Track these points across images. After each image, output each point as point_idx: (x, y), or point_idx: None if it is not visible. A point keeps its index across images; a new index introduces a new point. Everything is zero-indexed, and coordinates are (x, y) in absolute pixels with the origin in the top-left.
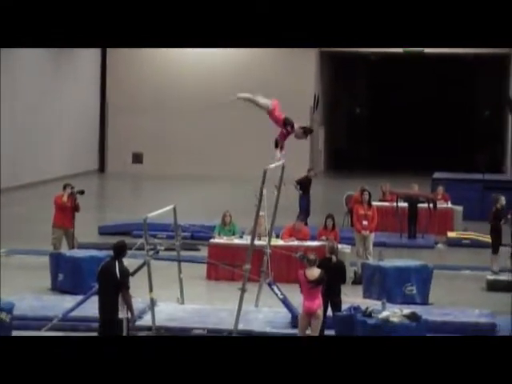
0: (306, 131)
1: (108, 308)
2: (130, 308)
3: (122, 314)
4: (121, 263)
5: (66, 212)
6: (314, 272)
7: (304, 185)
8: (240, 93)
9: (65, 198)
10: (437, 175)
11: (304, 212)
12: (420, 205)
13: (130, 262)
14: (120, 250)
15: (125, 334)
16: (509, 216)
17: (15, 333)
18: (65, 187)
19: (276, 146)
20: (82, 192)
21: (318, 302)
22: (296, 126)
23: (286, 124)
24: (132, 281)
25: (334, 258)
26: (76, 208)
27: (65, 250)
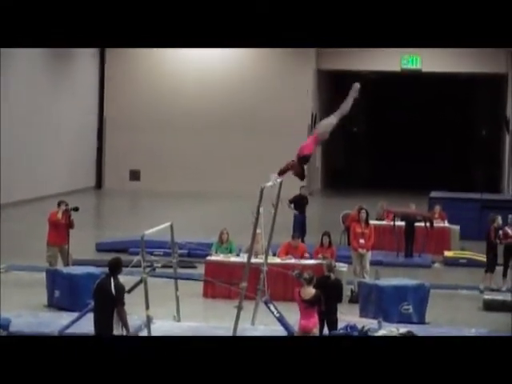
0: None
1: (103, 325)
2: (125, 325)
3: (117, 330)
4: (116, 280)
5: (60, 229)
6: (310, 291)
7: (298, 203)
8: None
9: (59, 215)
10: (434, 194)
11: (299, 230)
12: (417, 224)
13: (126, 279)
14: (115, 267)
15: None
16: (500, 233)
17: None
18: (59, 204)
19: (279, 174)
20: (76, 209)
21: (314, 320)
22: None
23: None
24: (128, 298)
25: (332, 275)
26: (70, 225)
27: (60, 266)
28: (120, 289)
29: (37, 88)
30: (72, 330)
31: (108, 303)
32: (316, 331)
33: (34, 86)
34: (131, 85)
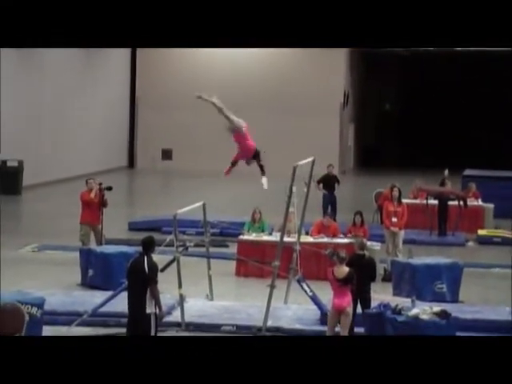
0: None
1: (136, 303)
2: (157, 303)
3: (150, 309)
4: (149, 258)
5: (93, 208)
6: (343, 270)
7: (326, 183)
8: (206, 94)
9: (92, 195)
10: (468, 172)
11: (328, 210)
12: (450, 202)
13: (159, 259)
14: (148, 246)
15: (153, 329)
16: None
17: (45, 328)
18: (87, 182)
19: (263, 173)
20: (109, 188)
21: (348, 299)
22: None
23: (256, 156)
24: (161, 277)
25: (366, 253)
26: (103, 204)
27: (93, 245)
28: (153, 267)
29: (69, 69)
30: (105, 309)
31: (141, 282)
32: (349, 310)
33: (67, 67)
34: (163, 63)
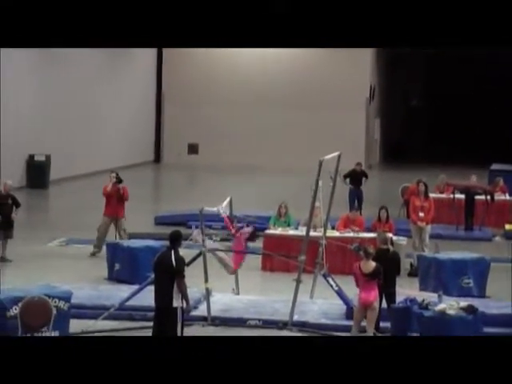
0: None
1: (163, 296)
2: (184, 297)
3: (177, 302)
4: (177, 252)
5: (112, 201)
6: (370, 265)
7: (353, 177)
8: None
9: (109, 188)
10: (495, 167)
11: (354, 204)
12: (477, 197)
13: (185, 253)
14: (176, 240)
15: (179, 323)
16: None
17: (72, 321)
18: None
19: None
20: (120, 180)
21: (375, 294)
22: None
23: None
24: (187, 271)
25: (390, 248)
26: (121, 197)
27: (111, 238)
28: (180, 261)
29: (95, 64)
30: (132, 303)
31: (168, 275)
32: (376, 304)
33: (93, 61)
34: (189, 58)
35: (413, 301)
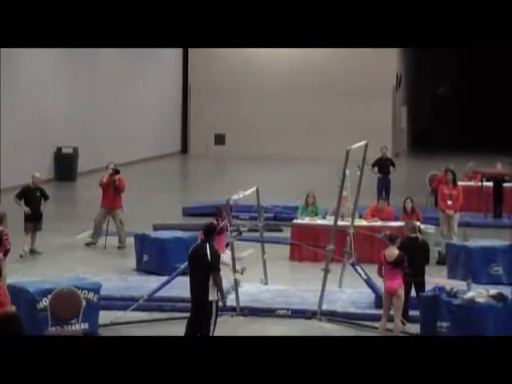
0: None
1: (198, 290)
2: (220, 290)
3: (212, 296)
4: (211, 245)
5: (108, 192)
6: (393, 252)
7: (381, 166)
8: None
9: (105, 179)
10: None
11: (382, 193)
12: (505, 184)
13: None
14: (210, 233)
15: (213, 316)
16: None
17: (102, 313)
18: (107, 167)
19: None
20: (117, 171)
21: (399, 281)
22: None
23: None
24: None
25: (419, 236)
26: (116, 188)
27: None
28: (215, 254)
29: (122, 55)
30: (161, 294)
31: (204, 268)
32: (401, 292)
33: (119, 52)
34: (215, 50)
35: (441, 289)
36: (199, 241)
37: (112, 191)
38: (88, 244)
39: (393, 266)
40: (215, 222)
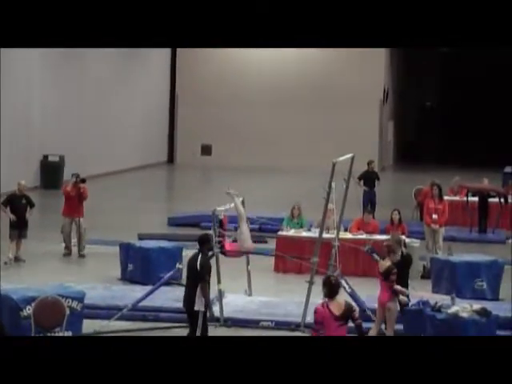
0: None
1: (186, 299)
2: (206, 301)
3: (198, 306)
4: (203, 256)
5: (71, 201)
6: (384, 264)
7: (366, 179)
8: (232, 189)
9: (68, 188)
10: (508, 169)
11: (367, 206)
12: (491, 199)
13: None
14: (203, 243)
15: (199, 327)
16: None
17: (86, 322)
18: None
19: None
20: (83, 180)
21: (388, 294)
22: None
23: None
24: None
25: (404, 250)
26: (81, 197)
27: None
28: (204, 265)
29: (109, 64)
30: (145, 303)
31: (193, 278)
32: (391, 304)
33: (107, 62)
34: (203, 60)
35: (426, 303)
36: (196, 251)
37: (76, 200)
38: (64, 255)
39: (383, 278)
40: (217, 230)
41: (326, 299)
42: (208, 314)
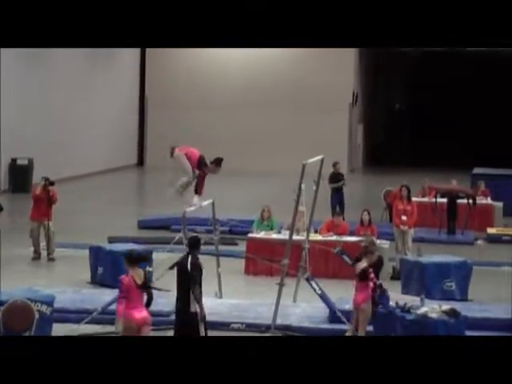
0: (218, 162)
1: (181, 301)
2: (198, 302)
3: (194, 307)
4: (193, 258)
5: (40, 205)
6: (360, 266)
7: (334, 181)
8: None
9: (38, 191)
10: (477, 170)
11: (336, 208)
12: (459, 200)
13: (168, 256)
14: (193, 245)
15: (201, 327)
16: None
17: (55, 326)
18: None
19: (196, 193)
20: (52, 183)
21: (363, 296)
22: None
23: (201, 164)
24: (170, 275)
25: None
26: (50, 200)
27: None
28: (194, 267)
29: (78, 66)
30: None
31: (185, 281)
32: (364, 306)
33: (76, 64)
34: (173, 62)
35: (395, 304)
36: (185, 253)
37: (45, 204)
38: (33, 259)
39: (358, 280)
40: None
41: (130, 270)
42: (201, 316)
